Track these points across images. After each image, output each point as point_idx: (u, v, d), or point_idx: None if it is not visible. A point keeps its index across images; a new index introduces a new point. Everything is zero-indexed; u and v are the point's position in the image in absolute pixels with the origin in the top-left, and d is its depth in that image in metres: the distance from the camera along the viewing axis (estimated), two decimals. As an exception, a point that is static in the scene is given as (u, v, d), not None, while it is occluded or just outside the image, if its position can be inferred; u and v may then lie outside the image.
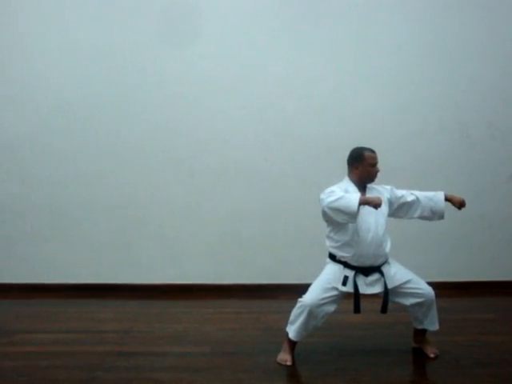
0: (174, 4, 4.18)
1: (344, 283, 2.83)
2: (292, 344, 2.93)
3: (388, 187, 2.99)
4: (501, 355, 2.97)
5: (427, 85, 4.29)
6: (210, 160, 4.29)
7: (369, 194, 2.87)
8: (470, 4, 4.27)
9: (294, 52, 4.27)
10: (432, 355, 2.96)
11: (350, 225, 2.79)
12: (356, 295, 2.84)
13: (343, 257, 2.86)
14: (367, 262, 2.84)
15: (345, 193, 2.78)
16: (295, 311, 2.90)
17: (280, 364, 2.88)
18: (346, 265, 2.86)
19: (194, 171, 4.33)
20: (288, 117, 4.28)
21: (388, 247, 2.90)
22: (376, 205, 2.66)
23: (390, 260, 2.95)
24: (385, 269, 2.88)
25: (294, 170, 4.30)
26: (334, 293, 2.84)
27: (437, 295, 4.14)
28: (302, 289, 4.23)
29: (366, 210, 2.75)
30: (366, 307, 3.89)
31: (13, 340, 3.30)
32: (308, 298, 2.85)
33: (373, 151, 2.97)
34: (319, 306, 2.83)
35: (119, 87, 4.27)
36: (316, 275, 4.31)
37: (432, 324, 2.98)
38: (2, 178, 4.32)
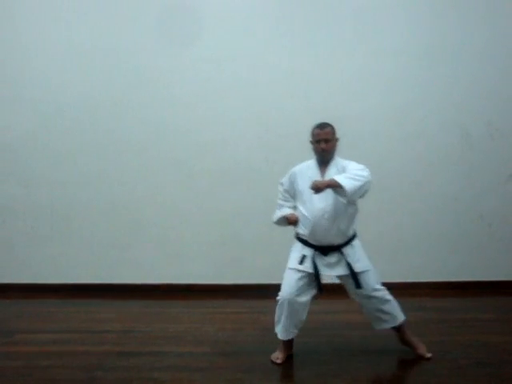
0: (175, 5, 4.19)
1: (301, 262, 2.85)
2: (285, 343, 2.93)
3: (353, 165, 2.83)
4: (501, 355, 2.97)
5: (427, 85, 4.30)
6: (210, 160, 4.30)
7: (329, 171, 2.83)
8: (469, 5, 4.28)
9: (294, 53, 4.27)
10: (428, 355, 2.90)
11: (303, 205, 2.85)
12: (316, 274, 2.82)
13: (302, 234, 2.88)
14: (324, 241, 2.82)
15: (284, 201, 2.99)
16: (277, 310, 2.91)
17: (272, 361, 2.89)
18: (306, 243, 2.87)
19: (194, 172, 4.33)
20: (288, 117, 4.28)
21: (351, 229, 2.86)
22: (290, 223, 2.89)
23: (356, 244, 2.90)
24: (346, 251, 2.85)
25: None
26: (299, 275, 2.84)
27: (436, 295, 4.19)
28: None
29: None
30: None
31: (13, 340, 3.30)
32: (283, 292, 2.87)
33: (321, 127, 2.88)
34: (296, 295, 2.83)
35: (119, 88, 4.27)
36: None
37: (393, 319, 2.91)
38: (2, 178, 4.32)
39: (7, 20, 4.29)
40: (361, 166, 2.79)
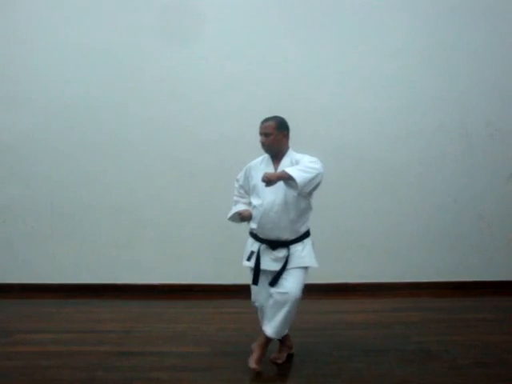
0: (175, 4, 4.18)
1: (249, 259, 2.83)
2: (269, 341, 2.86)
3: (306, 158, 2.78)
4: (500, 355, 2.98)
5: (427, 85, 4.30)
6: (210, 160, 4.29)
7: (282, 165, 2.80)
8: (468, 5, 4.27)
9: (295, 53, 4.27)
10: (253, 366, 2.78)
11: (255, 198, 2.83)
12: (256, 268, 2.79)
13: (253, 228, 2.86)
14: (272, 235, 2.78)
15: (239, 197, 3.00)
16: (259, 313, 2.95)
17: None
18: (255, 237, 2.85)
19: (194, 171, 4.33)
20: (288, 117, 4.25)
21: (302, 226, 2.82)
22: (243, 219, 2.87)
23: (307, 242, 2.86)
24: (294, 247, 2.79)
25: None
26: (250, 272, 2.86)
27: (436, 295, 4.19)
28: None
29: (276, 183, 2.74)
30: (366, 307, 3.93)
31: (13, 340, 3.30)
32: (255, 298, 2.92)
33: (264, 121, 2.88)
34: (254, 293, 2.88)
35: (119, 87, 4.27)
36: (316, 275, 4.33)
37: (270, 327, 2.79)
38: (2, 178, 4.32)
39: (7, 20, 4.28)
40: (313, 159, 2.75)
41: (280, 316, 2.75)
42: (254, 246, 2.86)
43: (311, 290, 4.25)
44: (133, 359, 2.98)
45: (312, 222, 4.33)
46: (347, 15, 4.27)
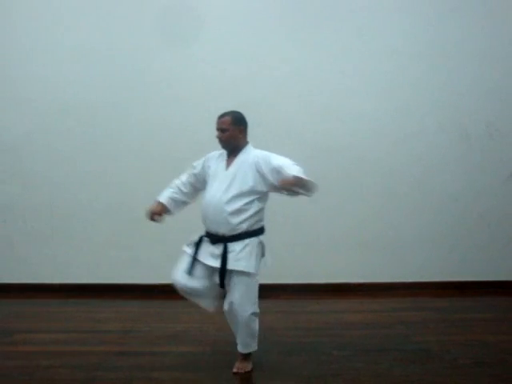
0: (175, 5, 4.18)
1: (191, 246, 2.82)
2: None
3: (262, 156, 2.74)
4: (500, 355, 2.98)
5: (426, 86, 4.30)
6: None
7: (238, 159, 2.77)
8: (468, 5, 4.27)
9: (294, 54, 4.27)
10: (234, 369, 2.81)
11: (206, 189, 2.81)
12: (193, 259, 2.76)
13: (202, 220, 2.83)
14: (211, 228, 2.75)
15: (181, 185, 3.00)
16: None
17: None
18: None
19: (193, 171, 4.32)
20: (288, 118, 4.29)
21: (243, 223, 2.68)
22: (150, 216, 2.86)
23: (250, 243, 2.70)
24: (233, 245, 2.68)
25: (294, 171, 4.30)
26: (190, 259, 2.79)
27: (436, 295, 4.19)
28: (302, 288, 4.29)
29: (217, 177, 2.75)
30: (366, 307, 3.93)
31: (13, 340, 3.30)
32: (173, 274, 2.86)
33: (220, 116, 2.82)
34: (186, 279, 2.78)
35: (119, 88, 4.27)
36: (316, 275, 4.35)
37: (239, 344, 2.81)
38: (2, 179, 4.32)
39: (7, 20, 4.29)
40: (288, 160, 2.69)
41: (241, 331, 2.76)
42: (199, 235, 2.82)
43: (311, 290, 4.30)
44: (133, 359, 2.98)
45: (312, 223, 4.37)
46: (347, 16, 4.26)
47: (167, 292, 4.26)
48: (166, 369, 2.86)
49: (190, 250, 2.82)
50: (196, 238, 2.85)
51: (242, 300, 2.69)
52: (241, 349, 2.84)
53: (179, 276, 2.81)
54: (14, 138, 4.29)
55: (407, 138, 4.31)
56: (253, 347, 2.84)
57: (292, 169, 2.57)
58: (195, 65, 4.25)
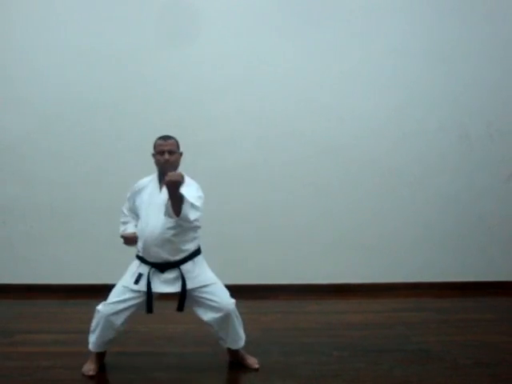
0: (174, 5, 4.18)
1: (137, 281, 2.71)
2: (97, 355, 2.84)
3: (193, 187, 2.78)
4: (500, 355, 2.98)
5: (426, 85, 4.29)
6: (209, 161, 4.28)
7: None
8: (468, 5, 4.27)
9: (294, 53, 4.27)
10: (256, 366, 2.85)
11: (139, 220, 2.77)
12: (149, 294, 2.70)
13: (139, 251, 2.78)
14: (158, 258, 2.69)
15: (129, 212, 2.90)
16: (94, 320, 2.80)
17: (84, 375, 2.78)
18: (142, 260, 2.75)
19: (193, 172, 4.27)
20: (288, 118, 4.28)
21: (189, 245, 2.72)
22: (126, 243, 2.79)
23: (198, 260, 2.77)
24: (185, 267, 2.71)
25: (294, 171, 4.30)
26: (131, 295, 2.73)
27: (437, 295, 4.19)
28: (302, 289, 4.29)
29: (153, 204, 2.69)
30: (366, 308, 3.93)
31: (13, 340, 3.30)
32: (105, 307, 2.75)
33: (165, 138, 2.77)
34: (116, 312, 2.72)
35: (119, 88, 4.27)
36: (316, 275, 4.36)
37: (234, 342, 2.83)
38: (2, 179, 4.32)
39: (6, 20, 4.28)
40: (201, 194, 2.73)
41: (233, 325, 2.78)
42: (141, 267, 2.74)
43: (312, 290, 4.30)
44: (133, 359, 2.98)
45: (312, 223, 4.37)
46: (347, 16, 4.26)
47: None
48: (166, 369, 2.86)
49: (141, 287, 2.72)
50: (139, 270, 2.75)
51: (221, 295, 2.77)
52: (240, 344, 2.84)
53: (113, 315, 2.74)
54: (14, 138, 4.29)
55: (407, 137, 4.31)
56: (244, 337, 2.87)
57: (189, 194, 2.55)
58: (194, 65, 4.25)
